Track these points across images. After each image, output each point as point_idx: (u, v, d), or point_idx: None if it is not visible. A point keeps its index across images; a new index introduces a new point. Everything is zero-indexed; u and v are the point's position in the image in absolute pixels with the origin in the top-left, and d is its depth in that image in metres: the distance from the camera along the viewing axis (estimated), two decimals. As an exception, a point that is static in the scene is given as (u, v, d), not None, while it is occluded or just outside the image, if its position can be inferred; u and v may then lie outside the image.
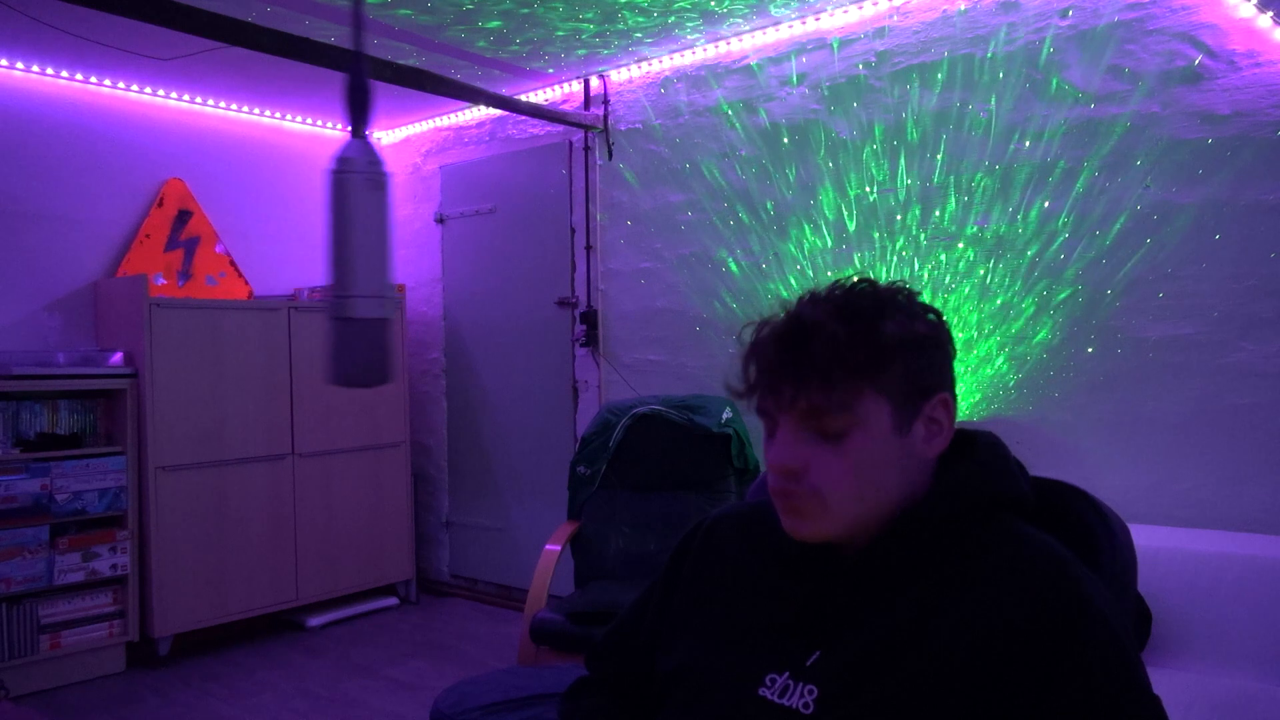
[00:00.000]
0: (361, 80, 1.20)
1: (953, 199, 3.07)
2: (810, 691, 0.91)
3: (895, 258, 3.20)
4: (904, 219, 3.18)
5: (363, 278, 1.16)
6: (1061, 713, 0.81)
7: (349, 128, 1.21)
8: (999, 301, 2.99)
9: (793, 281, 3.44)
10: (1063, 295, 2.86)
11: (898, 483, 0.92)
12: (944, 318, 0.97)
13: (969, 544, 0.91)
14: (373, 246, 1.17)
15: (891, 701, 0.86)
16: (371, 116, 1.24)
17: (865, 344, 0.89)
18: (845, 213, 3.31)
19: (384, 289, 1.17)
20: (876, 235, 3.24)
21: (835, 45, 3.32)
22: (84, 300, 3.89)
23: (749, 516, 1.10)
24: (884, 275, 3.21)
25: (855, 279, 0.96)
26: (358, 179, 1.15)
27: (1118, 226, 2.76)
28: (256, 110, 4.44)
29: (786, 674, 0.93)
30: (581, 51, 3.69)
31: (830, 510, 0.91)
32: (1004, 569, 0.88)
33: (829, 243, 3.35)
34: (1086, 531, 1.01)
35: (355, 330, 1.14)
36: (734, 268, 3.60)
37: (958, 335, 3.07)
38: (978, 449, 0.97)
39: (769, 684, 0.93)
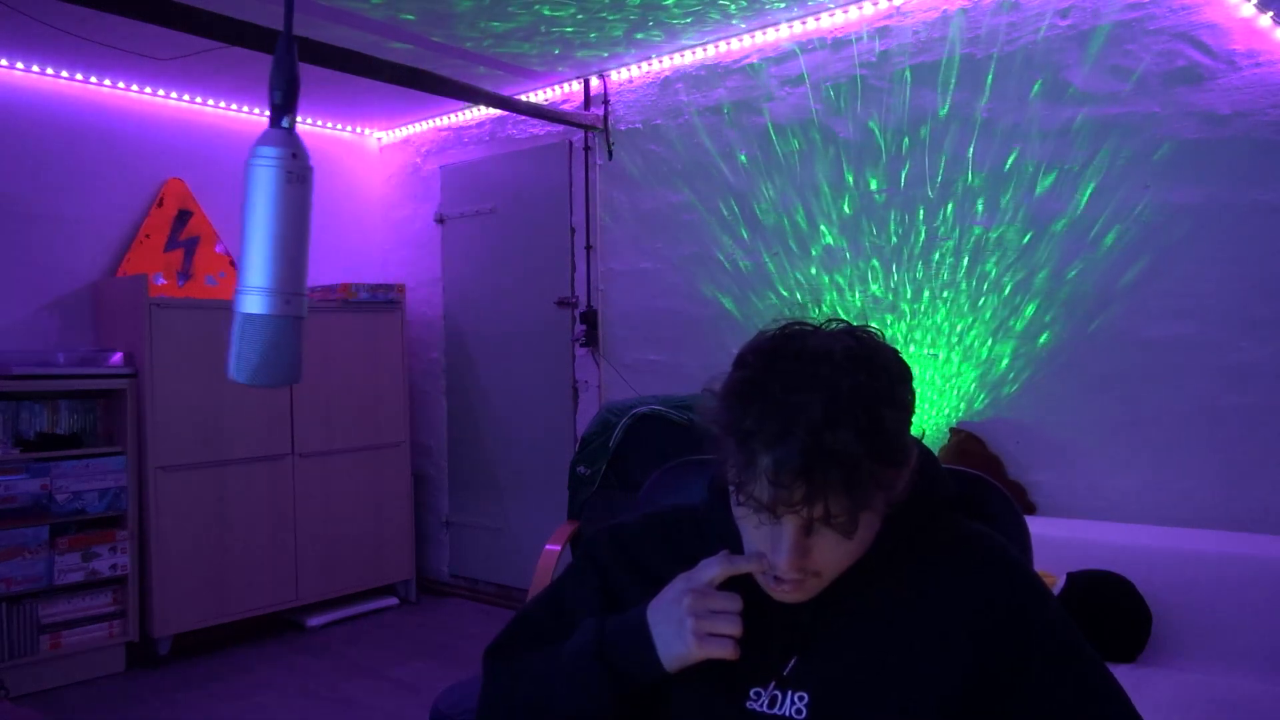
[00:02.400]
0: (290, 62, 1.12)
1: (953, 200, 3.07)
2: (801, 698, 0.93)
3: (895, 258, 3.20)
4: (904, 219, 3.18)
5: (277, 273, 1.12)
6: (1039, 673, 0.91)
7: (268, 115, 1.12)
8: (999, 301, 2.99)
9: (793, 281, 3.44)
10: (1063, 295, 2.86)
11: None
12: (900, 354, 0.94)
13: (924, 544, 0.97)
14: (289, 242, 1.12)
15: (885, 699, 0.90)
16: (297, 103, 1.15)
17: (881, 457, 0.86)
18: (846, 212, 3.31)
19: (297, 286, 1.12)
20: (877, 235, 3.24)
21: (835, 45, 3.32)
22: (84, 300, 3.89)
23: (661, 529, 1.07)
24: (880, 271, 3.22)
25: (843, 334, 0.91)
26: (278, 171, 1.09)
27: (1118, 227, 2.76)
28: (256, 110, 4.45)
29: (771, 684, 0.94)
30: (582, 51, 3.69)
31: (826, 580, 0.93)
32: (961, 564, 0.96)
33: (829, 242, 3.35)
34: (997, 514, 1.14)
35: (259, 326, 1.12)
36: (734, 267, 3.60)
37: (958, 335, 3.08)
38: (919, 459, 0.97)
39: (755, 697, 0.94)
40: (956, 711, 0.90)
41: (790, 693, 0.93)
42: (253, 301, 1.14)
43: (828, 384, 0.86)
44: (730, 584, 0.96)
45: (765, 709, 0.94)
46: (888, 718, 0.90)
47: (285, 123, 1.13)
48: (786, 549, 0.89)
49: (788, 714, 0.93)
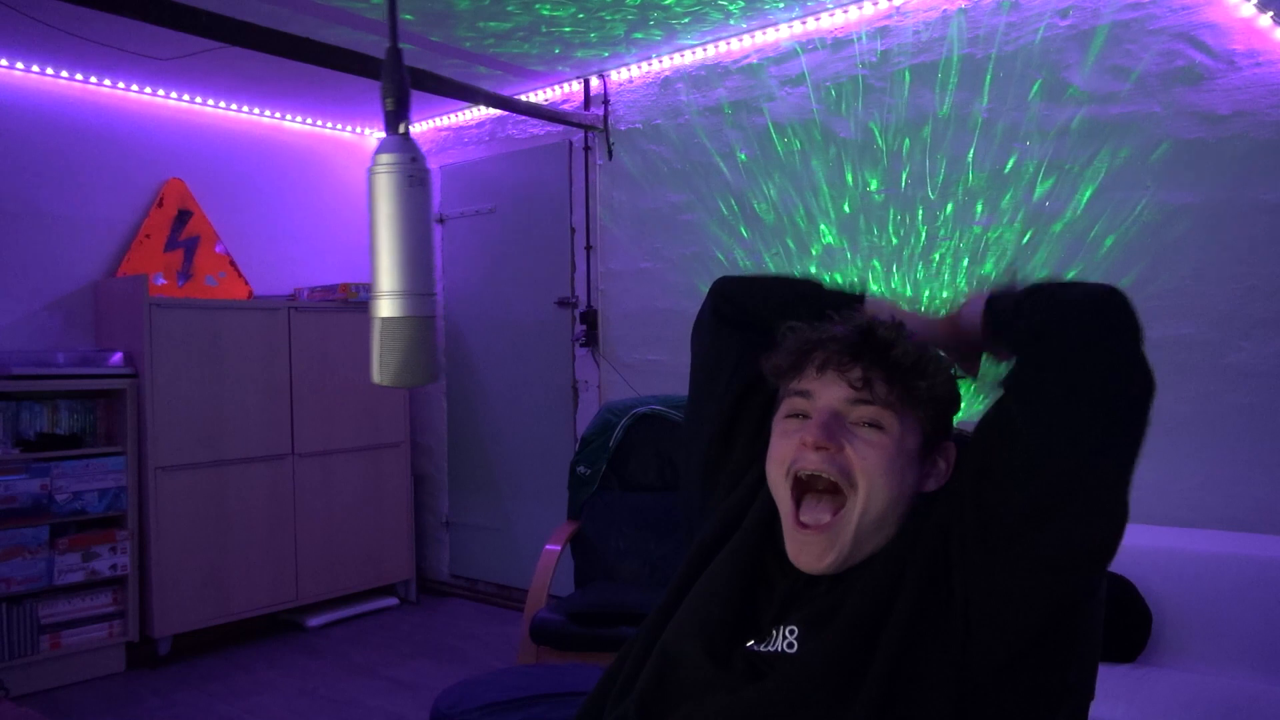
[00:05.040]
0: (399, 71, 1.18)
1: (953, 200, 3.07)
2: (792, 631, 1.00)
3: (895, 258, 3.20)
4: (904, 219, 3.18)
5: (408, 275, 1.16)
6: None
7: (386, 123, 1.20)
8: (999, 301, 2.98)
9: (793, 281, 3.44)
10: (1063, 295, 2.85)
11: (901, 507, 1.02)
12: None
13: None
14: (415, 244, 1.17)
15: (863, 615, 0.97)
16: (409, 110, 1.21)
17: (921, 367, 1.04)
18: (846, 212, 3.31)
19: (428, 287, 1.17)
20: (877, 235, 3.24)
21: (835, 45, 3.32)
22: (84, 300, 3.89)
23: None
24: (885, 276, 3.22)
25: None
26: (399, 176, 1.14)
27: (1119, 227, 2.76)
28: (256, 110, 4.45)
29: (764, 636, 1.03)
30: (581, 51, 3.69)
31: (845, 514, 0.99)
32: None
33: (829, 242, 3.35)
34: None
35: (397, 329, 1.15)
36: (734, 267, 3.60)
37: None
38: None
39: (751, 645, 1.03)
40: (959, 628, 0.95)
41: (782, 627, 1.00)
42: (388, 305, 1.16)
43: (907, 339, 1.07)
44: (745, 560, 1.07)
45: (761, 648, 1.00)
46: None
47: (402, 129, 1.18)
48: (821, 413, 1.02)
49: (780, 648, 0.99)
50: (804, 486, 1.03)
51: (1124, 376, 0.92)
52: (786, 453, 1.04)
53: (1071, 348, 0.93)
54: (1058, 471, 0.92)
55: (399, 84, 1.17)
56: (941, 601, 0.96)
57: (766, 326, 1.15)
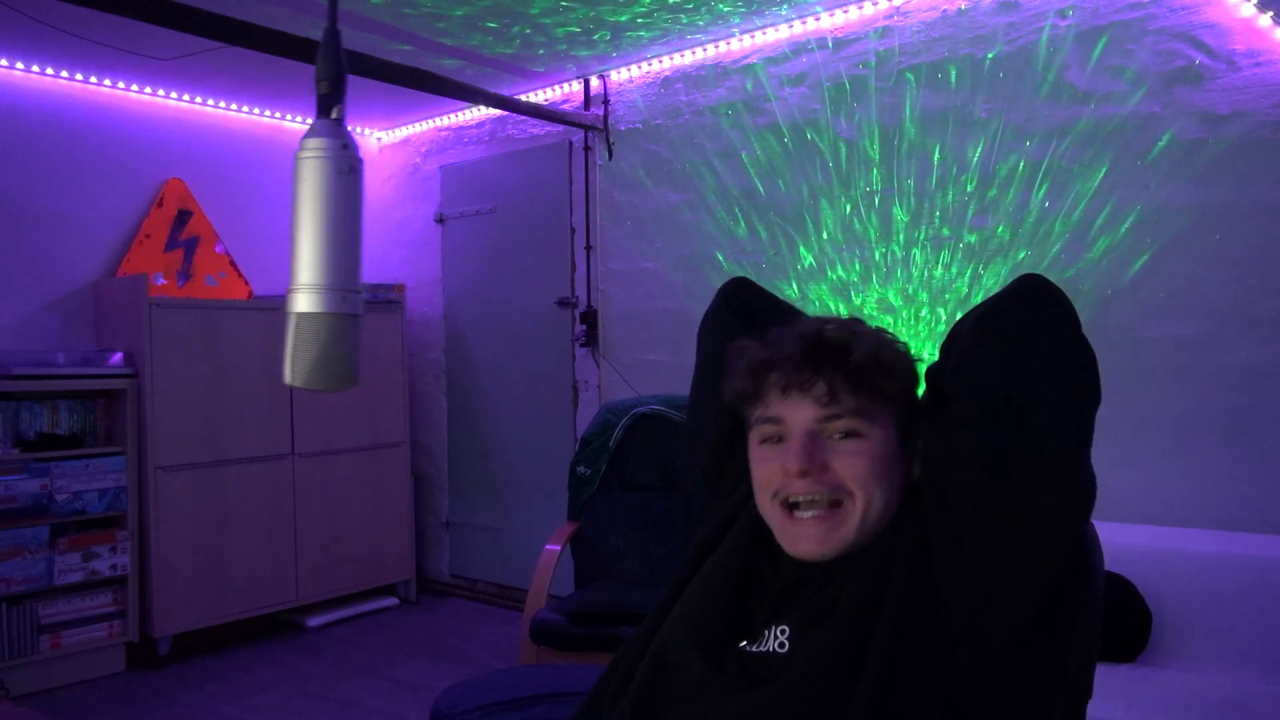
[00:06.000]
0: (336, 53, 1.09)
1: (952, 200, 3.07)
2: (784, 631, 0.99)
3: (894, 258, 3.20)
4: (904, 219, 3.18)
5: (330, 269, 1.07)
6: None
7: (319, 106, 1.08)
8: (999, 301, 2.98)
9: (794, 281, 3.44)
10: (1063, 295, 2.85)
11: (893, 497, 1.02)
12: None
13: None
14: (341, 236, 1.08)
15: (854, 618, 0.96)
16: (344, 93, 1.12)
17: (880, 363, 1.02)
18: (846, 213, 3.31)
19: (352, 283, 1.07)
20: (876, 235, 3.24)
21: (836, 45, 3.32)
22: (84, 300, 3.89)
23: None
24: (884, 273, 3.22)
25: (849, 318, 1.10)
26: (328, 163, 1.06)
27: (1118, 227, 2.76)
28: (256, 110, 4.45)
29: (756, 637, 1.02)
30: (582, 51, 3.69)
31: (846, 513, 0.99)
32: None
33: (829, 242, 3.35)
34: None
35: (312, 326, 1.05)
36: (734, 267, 3.60)
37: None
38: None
39: (744, 647, 1.02)
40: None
41: (773, 628, 1.00)
42: (305, 300, 1.08)
43: (819, 321, 1.07)
44: (738, 560, 1.06)
45: (753, 648, 1.00)
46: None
47: (335, 114, 1.10)
48: (797, 438, 1.00)
49: (772, 648, 0.99)
50: (795, 508, 1.02)
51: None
52: (771, 479, 1.03)
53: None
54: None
55: (335, 66, 1.09)
56: (929, 596, 0.96)
57: (765, 326, 1.15)
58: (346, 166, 1.08)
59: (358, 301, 1.09)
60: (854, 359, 1.01)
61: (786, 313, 1.27)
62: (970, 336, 1.01)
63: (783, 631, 0.99)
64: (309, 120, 4.61)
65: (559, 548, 3.05)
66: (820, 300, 3.39)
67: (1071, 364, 0.96)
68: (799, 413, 1.01)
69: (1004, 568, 0.92)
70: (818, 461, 0.99)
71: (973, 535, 0.94)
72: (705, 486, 1.24)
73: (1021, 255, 2.93)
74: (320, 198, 1.08)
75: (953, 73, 3.05)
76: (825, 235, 3.36)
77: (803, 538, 1.01)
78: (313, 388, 1.08)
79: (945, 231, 3.09)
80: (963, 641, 0.93)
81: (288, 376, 1.07)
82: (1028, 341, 0.96)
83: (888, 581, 0.97)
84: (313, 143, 1.08)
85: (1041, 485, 0.92)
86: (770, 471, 1.03)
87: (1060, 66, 2.84)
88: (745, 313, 1.26)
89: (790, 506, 1.02)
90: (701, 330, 1.33)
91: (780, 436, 1.03)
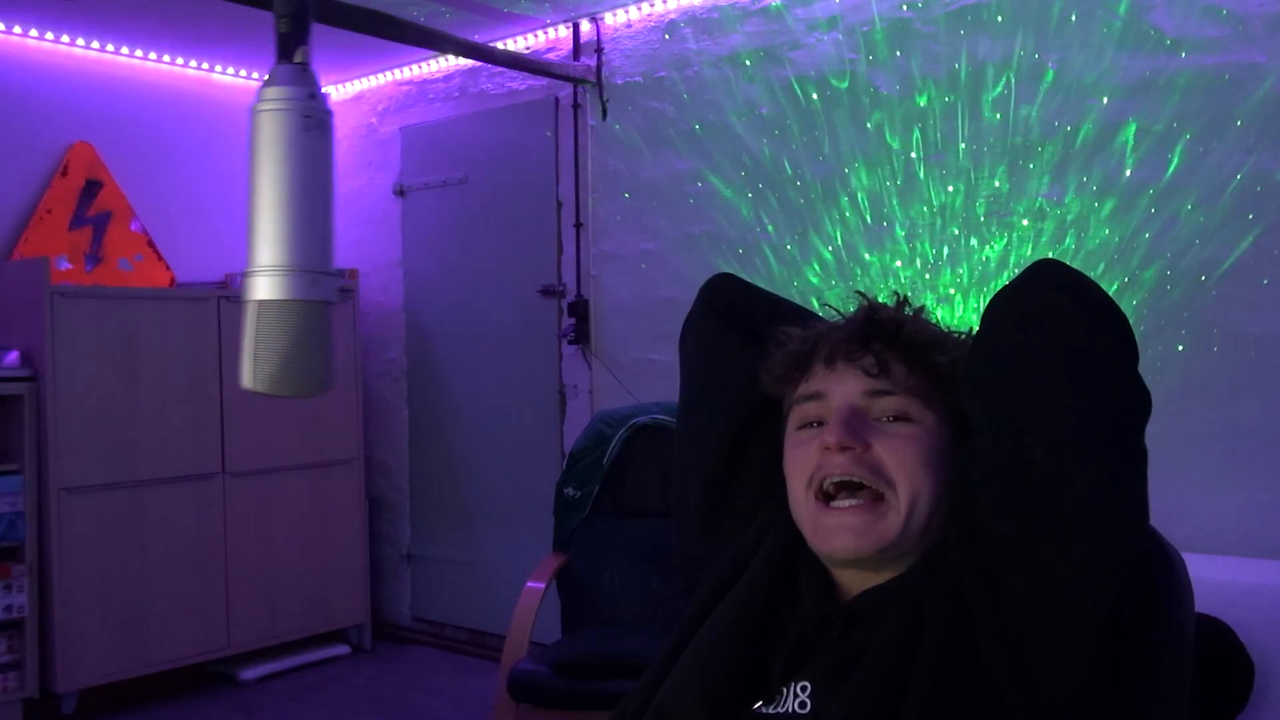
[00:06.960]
0: None
1: (1013, 166, 3.07)
2: (804, 688, 1.00)
3: (944, 237, 3.20)
4: (955, 190, 3.18)
5: (298, 247, 1.02)
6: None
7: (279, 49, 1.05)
8: (1071, 290, 2.98)
9: (819, 265, 3.45)
10: (1148, 281, 2.86)
11: (941, 501, 1.03)
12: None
13: None
14: (309, 206, 1.03)
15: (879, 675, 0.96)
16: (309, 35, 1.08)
17: (945, 348, 1.07)
18: (885, 183, 3.32)
19: (323, 263, 1.04)
20: (922, 208, 3.24)
21: (874, -18, 3.33)
22: (-27, 288, 3.90)
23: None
24: (931, 257, 3.22)
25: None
26: (292, 116, 1.02)
27: (1215, 201, 2.76)
28: (180, 60, 4.45)
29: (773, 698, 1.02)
30: (570, -10, 3.70)
31: (888, 506, 1.01)
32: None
33: (865, 219, 3.36)
34: None
35: (277, 317, 1.01)
36: (752, 248, 3.60)
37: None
38: None
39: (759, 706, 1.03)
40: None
41: (793, 684, 1.01)
42: (267, 285, 1.04)
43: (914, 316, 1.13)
44: (752, 606, 1.07)
45: (769, 709, 1.01)
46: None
47: (298, 58, 1.06)
48: (839, 410, 1.04)
49: (791, 708, 0.99)
50: (831, 498, 1.04)
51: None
52: (806, 462, 1.05)
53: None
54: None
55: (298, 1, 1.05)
56: (969, 640, 0.95)
57: (760, 332, 1.20)
58: (314, 120, 1.04)
59: (331, 286, 1.08)
60: (906, 332, 1.06)
61: (787, 312, 1.30)
62: (976, 337, 1.04)
63: (803, 689, 1.00)
64: (242, 73, 4.63)
65: (543, 585, 3.05)
66: (855, 285, 3.39)
67: (1095, 365, 0.95)
68: (844, 385, 1.06)
69: (1040, 612, 0.92)
70: (860, 436, 1.01)
71: (1004, 574, 0.94)
72: (699, 527, 1.25)
73: (1097, 237, 2.93)
74: (284, 160, 1.03)
75: (1016, 15, 3.05)
76: (862, 210, 3.37)
77: (838, 530, 1.01)
78: (279, 393, 1.06)
79: (1004, 206, 3.09)
80: (1009, 691, 0.92)
81: (247, 380, 1.05)
82: (1036, 342, 0.96)
83: (920, 625, 0.97)
84: (273, 92, 1.04)
85: (1068, 513, 0.91)
86: (806, 455, 1.05)
87: (1144, 8, 2.84)
88: (734, 316, 1.27)
89: (827, 497, 1.03)
90: (683, 343, 1.33)
91: (820, 420, 1.06)
